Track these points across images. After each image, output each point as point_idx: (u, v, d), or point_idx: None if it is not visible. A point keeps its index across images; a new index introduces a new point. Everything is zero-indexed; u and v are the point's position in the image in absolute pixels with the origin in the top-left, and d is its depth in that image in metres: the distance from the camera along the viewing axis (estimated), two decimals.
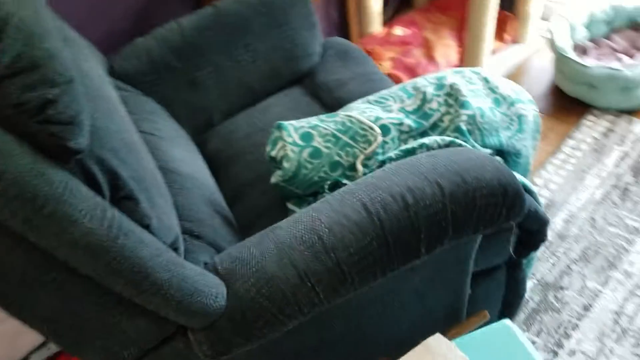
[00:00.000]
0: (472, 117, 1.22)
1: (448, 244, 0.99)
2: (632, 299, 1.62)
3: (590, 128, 2.17)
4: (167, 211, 0.93)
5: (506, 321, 1.06)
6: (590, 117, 2.21)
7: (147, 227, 0.84)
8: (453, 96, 1.24)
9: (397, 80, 2.24)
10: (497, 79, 1.32)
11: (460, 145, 1.16)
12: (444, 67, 2.35)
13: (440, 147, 1.15)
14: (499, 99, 1.29)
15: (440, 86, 1.26)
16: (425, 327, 1.24)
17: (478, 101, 1.25)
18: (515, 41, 2.57)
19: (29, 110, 0.65)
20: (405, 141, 1.23)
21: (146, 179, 0.90)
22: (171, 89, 1.46)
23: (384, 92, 1.29)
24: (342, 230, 0.94)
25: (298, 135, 1.16)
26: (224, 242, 1.10)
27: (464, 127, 1.21)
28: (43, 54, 0.65)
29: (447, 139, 1.15)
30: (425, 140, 1.14)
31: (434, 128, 1.24)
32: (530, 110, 1.33)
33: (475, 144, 1.22)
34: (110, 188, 0.79)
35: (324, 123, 1.18)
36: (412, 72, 2.37)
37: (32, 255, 0.70)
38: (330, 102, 1.51)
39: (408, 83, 1.30)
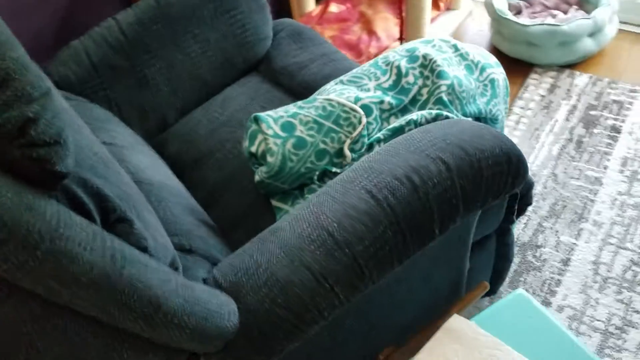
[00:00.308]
0: (451, 87, 1.17)
1: (460, 221, 0.94)
2: (606, 247, 1.65)
3: (536, 87, 2.19)
4: (158, 227, 0.83)
5: (520, 291, 1.03)
6: (534, 76, 2.23)
7: (144, 249, 0.74)
8: (428, 67, 1.19)
9: None
10: (466, 46, 1.28)
11: (447, 117, 1.12)
12: (386, 41, 2.31)
13: (428, 121, 1.10)
14: (471, 65, 1.25)
15: (413, 58, 1.21)
16: (430, 308, 1.20)
17: (453, 70, 1.20)
18: (449, 8, 2.57)
19: (7, 134, 0.53)
20: (387, 120, 1.17)
21: (131, 196, 0.79)
22: (119, 91, 1.33)
23: (355, 71, 1.22)
24: (353, 223, 0.88)
25: (278, 126, 1.07)
26: (217, 252, 1.00)
27: (445, 97, 1.16)
28: (12, 64, 0.54)
29: (434, 112, 1.11)
30: (413, 116, 1.08)
31: (413, 102, 1.19)
32: (500, 74, 1.31)
33: (458, 114, 1.18)
34: (100, 212, 0.69)
35: (303, 110, 1.10)
36: (355, 48, 2.31)
37: (29, 305, 0.59)
38: (293, 87, 1.42)
39: (378, 58, 1.24)
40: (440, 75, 1.18)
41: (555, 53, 2.20)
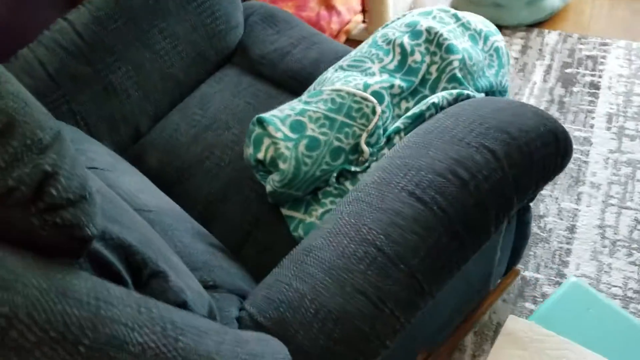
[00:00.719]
0: (462, 62, 1.07)
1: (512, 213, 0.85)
2: (608, 209, 1.61)
3: (507, 49, 2.12)
4: (185, 270, 0.69)
5: (573, 279, 0.95)
6: (504, 38, 2.16)
7: (184, 304, 0.60)
8: (434, 42, 1.08)
9: None
10: (466, 14, 1.18)
11: (468, 96, 1.01)
12: (348, 15, 2.18)
13: (450, 103, 0.99)
14: (474, 35, 1.15)
15: (416, 33, 1.09)
16: (464, 304, 1.11)
17: (460, 42, 1.10)
18: None
19: (21, 199, 0.38)
20: (398, 105, 1.06)
21: (152, 239, 0.65)
22: (84, 103, 1.15)
23: (355, 54, 1.10)
24: (402, 233, 0.76)
25: (287, 127, 0.94)
26: (241, 282, 0.87)
27: (459, 74, 1.06)
28: (13, 102, 0.39)
29: (454, 92, 1.00)
30: (433, 99, 0.97)
31: (423, 83, 1.08)
32: (501, 41, 1.21)
33: (473, 91, 1.07)
34: (129, 270, 0.55)
35: (311, 105, 0.97)
36: (315, 26, 2.17)
37: None
38: (277, 77, 1.28)
39: (376, 37, 1.11)
40: (449, 49, 1.07)
41: (522, 13, 2.13)
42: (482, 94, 1.13)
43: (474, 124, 0.86)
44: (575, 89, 1.94)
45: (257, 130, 0.96)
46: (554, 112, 1.88)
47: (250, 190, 1.10)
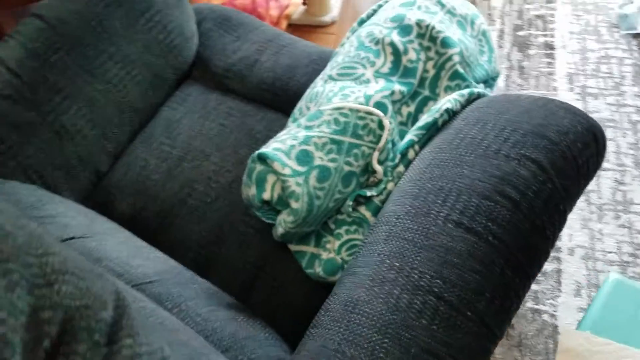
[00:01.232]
0: (461, 55, 0.98)
1: None
2: None
3: None
4: None
5: (614, 275, 0.90)
6: None
7: None
8: (426, 36, 0.98)
9: None
10: None
11: (479, 95, 0.92)
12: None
13: (463, 106, 0.90)
14: (462, 22, 1.06)
15: (405, 29, 0.99)
16: None
17: (453, 33, 1.00)
18: None
19: None
20: (399, 112, 0.96)
21: (194, 346, 0.53)
22: (34, 154, 0.98)
23: (342, 60, 0.98)
24: (460, 273, 0.67)
25: (294, 159, 0.82)
26: (276, 350, 0.76)
27: (461, 69, 0.96)
28: (71, 286, 0.26)
29: (465, 92, 0.91)
30: (446, 104, 0.88)
31: (421, 83, 0.98)
32: (485, 22, 1.13)
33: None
34: None
35: (314, 130, 0.85)
36: (253, 14, 2.02)
37: None
38: (249, 91, 1.15)
39: (361, 37, 1.00)
40: (445, 43, 0.97)
41: None
42: (482, 85, 1.05)
43: (505, 131, 0.78)
44: (531, 52, 1.90)
45: (259, 167, 0.83)
46: (515, 78, 1.84)
47: (247, 227, 0.98)
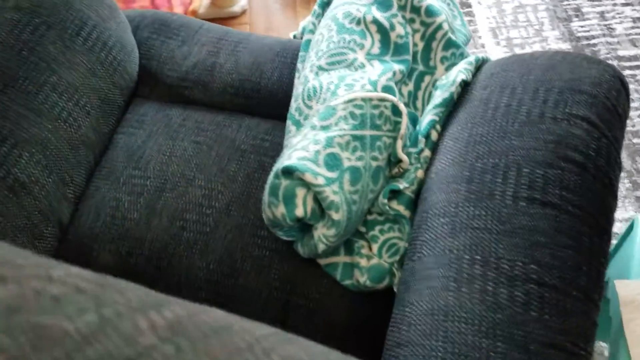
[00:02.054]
0: (447, 22, 0.92)
1: None
2: None
3: None
4: None
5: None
6: None
7: None
8: (407, 7, 0.92)
9: None
10: None
11: (484, 59, 0.87)
12: None
13: (473, 74, 0.84)
14: None
15: (383, 3, 0.92)
16: None
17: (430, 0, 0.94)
18: None
19: None
20: (400, 93, 0.89)
21: None
22: None
23: (326, 47, 0.89)
24: (553, 252, 0.63)
25: (323, 166, 0.73)
26: None
27: (453, 37, 0.91)
28: None
29: (471, 60, 0.85)
30: (461, 76, 0.82)
31: (413, 59, 0.92)
32: None
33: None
34: None
35: (332, 130, 0.76)
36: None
37: None
38: (216, 98, 1.03)
39: (338, 19, 0.92)
40: (430, 12, 0.91)
41: None
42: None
43: (540, 92, 0.73)
44: None
45: (285, 182, 0.73)
46: None
47: (260, 249, 0.88)
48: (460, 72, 0.82)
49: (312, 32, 1.00)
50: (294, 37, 1.21)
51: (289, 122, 0.86)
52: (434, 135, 0.81)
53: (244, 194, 0.92)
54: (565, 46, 1.80)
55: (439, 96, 0.82)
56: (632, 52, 1.80)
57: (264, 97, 1.00)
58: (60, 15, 0.91)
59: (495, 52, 1.78)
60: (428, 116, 0.81)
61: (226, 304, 0.86)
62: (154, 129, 1.00)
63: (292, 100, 0.88)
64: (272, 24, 2.01)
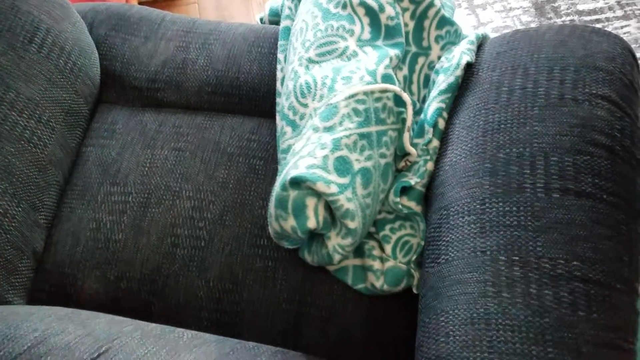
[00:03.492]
0: None
1: None
2: None
3: None
4: None
5: None
6: None
7: None
8: None
9: None
10: None
11: (484, 36, 0.82)
12: None
13: (475, 53, 0.79)
14: None
15: None
16: None
17: None
18: None
19: None
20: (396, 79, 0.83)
21: None
22: None
23: (312, 36, 0.82)
24: (594, 246, 0.60)
25: (334, 172, 0.67)
26: None
27: (447, 14, 0.85)
28: None
29: (472, 39, 0.80)
30: (465, 58, 0.77)
31: (406, 40, 0.86)
32: None
33: None
34: None
35: (337, 130, 0.70)
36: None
37: None
38: (193, 99, 0.94)
39: (322, 5, 0.84)
40: None
41: None
42: None
43: (555, 72, 0.69)
44: None
45: (294, 193, 0.67)
46: None
47: (263, 259, 0.82)
48: (463, 53, 0.77)
49: (290, 17, 0.92)
50: (261, 20, 1.13)
51: (282, 123, 0.79)
52: (441, 124, 0.76)
53: (237, 202, 0.85)
54: (526, 4, 1.78)
55: (443, 81, 0.76)
56: (591, 5, 1.79)
57: (245, 93, 0.93)
58: (8, 21, 0.81)
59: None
60: (434, 103, 0.76)
61: (232, 323, 0.80)
62: (128, 139, 0.91)
63: (283, 97, 0.81)
64: (221, 1, 1.90)
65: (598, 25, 1.73)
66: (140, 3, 1.83)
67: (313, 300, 0.80)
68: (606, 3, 1.75)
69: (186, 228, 0.84)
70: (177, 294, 0.81)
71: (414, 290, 0.76)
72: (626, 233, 0.61)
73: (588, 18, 1.75)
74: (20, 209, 0.79)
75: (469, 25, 1.72)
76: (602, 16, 1.73)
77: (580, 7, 1.78)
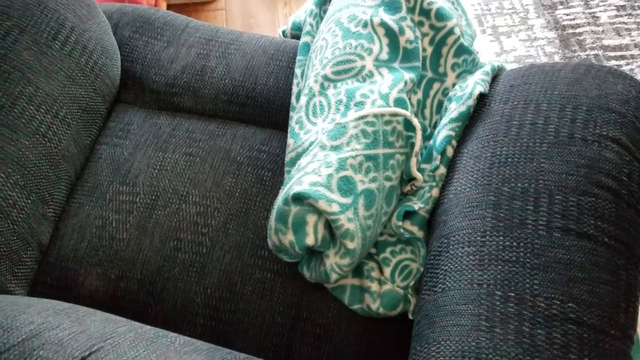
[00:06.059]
0: (459, 27, 0.87)
1: None
2: None
3: None
4: None
5: None
6: None
7: None
8: (417, 10, 0.86)
9: None
10: None
11: (500, 68, 0.83)
12: None
13: (489, 84, 0.80)
14: None
15: (391, 5, 0.86)
16: None
17: (441, 1, 0.89)
18: None
19: None
20: (409, 102, 0.83)
21: None
22: None
23: (331, 54, 0.83)
24: (591, 289, 0.60)
25: (337, 191, 0.67)
26: None
27: (465, 42, 0.86)
28: None
29: (487, 69, 0.80)
30: (478, 88, 0.77)
31: (423, 65, 0.86)
32: None
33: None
34: None
35: (344, 150, 0.70)
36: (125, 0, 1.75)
37: None
38: (208, 106, 0.95)
39: (343, 23, 0.85)
40: (441, 15, 0.86)
41: None
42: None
43: (567, 110, 0.69)
44: None
45: (295, 209, 0.67)
46: None
47: (262, 271, 0.82)
48: (477, 83, 0.77)
49: (310, 34, 0.93)
50: (283, 33, 1.14)
51: (288, 135, 0.80)
52: (449, 152, 0.76)
53: (242, 211, 0.86)
54: (551, 35, 1.77)
55: (454, 109, 0.77)
56: (617, 41, 1.78)
57: (259, 104, 0.94)
58: (34, 18, 0.83)
59: (481, 40, 1.73)
60: (443, 131, 0.76)
61: (226, 331, 0.81)
62: (142, 140, 0.93)
63: (295, 111, 0.82)
64: (248, 9, 1.92)
65: (622, 62, 1.72)
66: (169, 7, 1.86)
67: (308, 316, 0.80)
68: (632, 40, 1.74)
69: (189, 233, 0.84)
70: (174, 297, 0.82)
71: (410, 316, 0.75)
72: (625, 279, 0.60)
73: (612, 54, 1.74)
74: (29, 201, 0.81)
75: (491, 52, 1.72)
76: (627, 53, 1.72)
77: (605, 42, 1.77)
